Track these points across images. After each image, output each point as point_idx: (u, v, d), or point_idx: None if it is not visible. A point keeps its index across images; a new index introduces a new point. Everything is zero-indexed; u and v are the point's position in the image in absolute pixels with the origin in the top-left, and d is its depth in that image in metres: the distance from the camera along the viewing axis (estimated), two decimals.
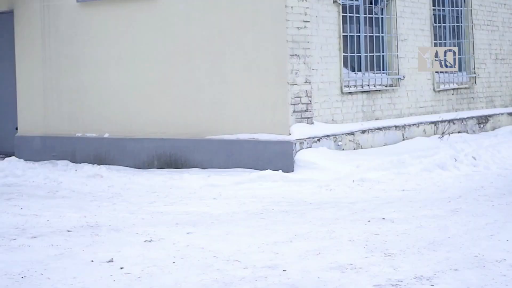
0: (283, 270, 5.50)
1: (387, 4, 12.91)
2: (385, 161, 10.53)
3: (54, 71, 13.21)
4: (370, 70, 12.56)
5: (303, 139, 10.82)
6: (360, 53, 12.34)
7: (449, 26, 14.56)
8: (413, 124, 13.04)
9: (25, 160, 12.97)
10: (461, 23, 14.92)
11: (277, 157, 10.66)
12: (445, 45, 14.21)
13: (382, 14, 12.87)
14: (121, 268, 5.69)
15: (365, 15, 12.50)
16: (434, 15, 14.01)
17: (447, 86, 14.32)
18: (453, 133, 13.51)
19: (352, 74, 12.18)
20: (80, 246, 6.51)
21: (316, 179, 9.93)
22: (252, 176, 10.19)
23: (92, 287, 5.25)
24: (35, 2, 13.44)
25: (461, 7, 14.90)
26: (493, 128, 15.21)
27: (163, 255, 6.11)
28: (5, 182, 10.98)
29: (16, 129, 13.80)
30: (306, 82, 11.09)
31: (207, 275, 5.43)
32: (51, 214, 8.19)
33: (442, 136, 13.04)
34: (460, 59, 14.66)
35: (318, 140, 11.05)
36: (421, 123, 13.25)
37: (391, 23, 12.94)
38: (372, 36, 12.67)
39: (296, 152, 10.66)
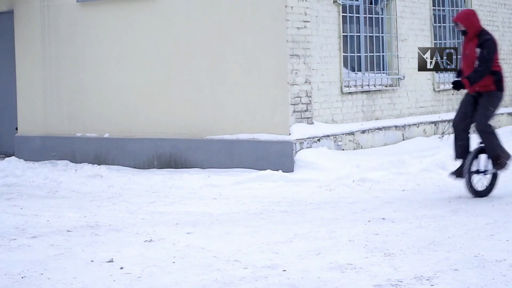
0: (283, 270, 5.50)
1: (387, 4, 12.91)
2: (385, 161, 10.53)
3: (54, 71, 13.21)
4: (370, 70, 12.56)
5: (303, 139, 10.82)
6: (360, 53, 12.34)
7: (449, 26, 14.55)
8: (413, 124, 13.04)
9: (25, 160, 12.97)
10: None
11: (277, 157, 10.66)
12: (445, 45, 14.20)
13: (382, 14, 12.87)
14: (121, 268, 5.69)
15: (365, 15, 12.50)
16: (434, 15, 14.01)
17: (447, 86, 14.29)
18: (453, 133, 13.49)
19: (352, 74, 12.18)
20: (80, 246, 6.50)
21: (316, 179, 9.92)
22: (252, 176, 10.19)
23: (92, 287, 5.25)
24: (35, 2, 13.44)
25: (461, 7, 14.89)
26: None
27: (163, 255, 6.11)
28: (5, 182, 10.99)
29: (16, 129, 13.80)
30: (306, 82, 11.09)
31: (207, 275, 5.43)
32: (51, 214, 8.20)
33: (442, 136, 13.04)
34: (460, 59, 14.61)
35: (318, 140, 11.05)
36: (421, 123, 13.25)
37: (391, 23, 12.94)
38: (372, 36, 12.66)
39: (296, 152, 10.66)
